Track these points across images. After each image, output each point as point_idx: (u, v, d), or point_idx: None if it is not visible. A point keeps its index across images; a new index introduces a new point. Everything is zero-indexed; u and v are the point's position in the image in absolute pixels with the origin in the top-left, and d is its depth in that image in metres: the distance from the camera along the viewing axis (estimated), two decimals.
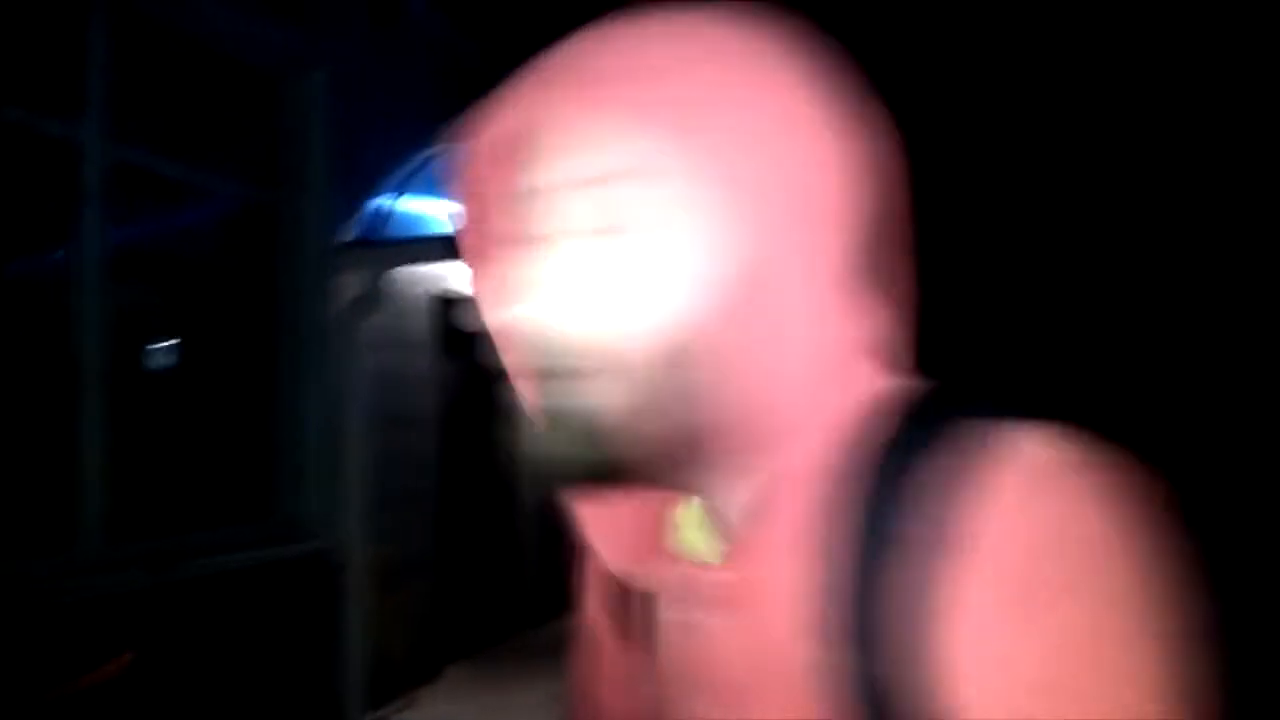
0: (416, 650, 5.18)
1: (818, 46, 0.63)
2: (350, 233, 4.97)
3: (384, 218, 4.98)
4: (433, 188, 5.19)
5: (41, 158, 3.25)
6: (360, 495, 4.43)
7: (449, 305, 5.78)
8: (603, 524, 0.70)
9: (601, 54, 0.61)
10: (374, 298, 4.59)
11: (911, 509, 0.54)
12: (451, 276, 5.86)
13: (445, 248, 4.94)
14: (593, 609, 0.80)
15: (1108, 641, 0.49)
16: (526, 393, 0.67)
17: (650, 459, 0.61)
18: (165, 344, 3.93)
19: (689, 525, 0.69)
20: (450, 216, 0.72)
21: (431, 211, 5.15)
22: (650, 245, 0.60)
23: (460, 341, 6.04)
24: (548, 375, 0.63)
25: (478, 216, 0.69)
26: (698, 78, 0.59)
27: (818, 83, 0.62)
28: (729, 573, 0.61)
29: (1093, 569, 0.50)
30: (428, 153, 5.52)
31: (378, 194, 5.13)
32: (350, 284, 4.64)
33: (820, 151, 0.60)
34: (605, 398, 0.60)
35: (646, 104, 0.58)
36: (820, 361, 0.60)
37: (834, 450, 0.59)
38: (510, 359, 0.68)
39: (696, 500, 0.68)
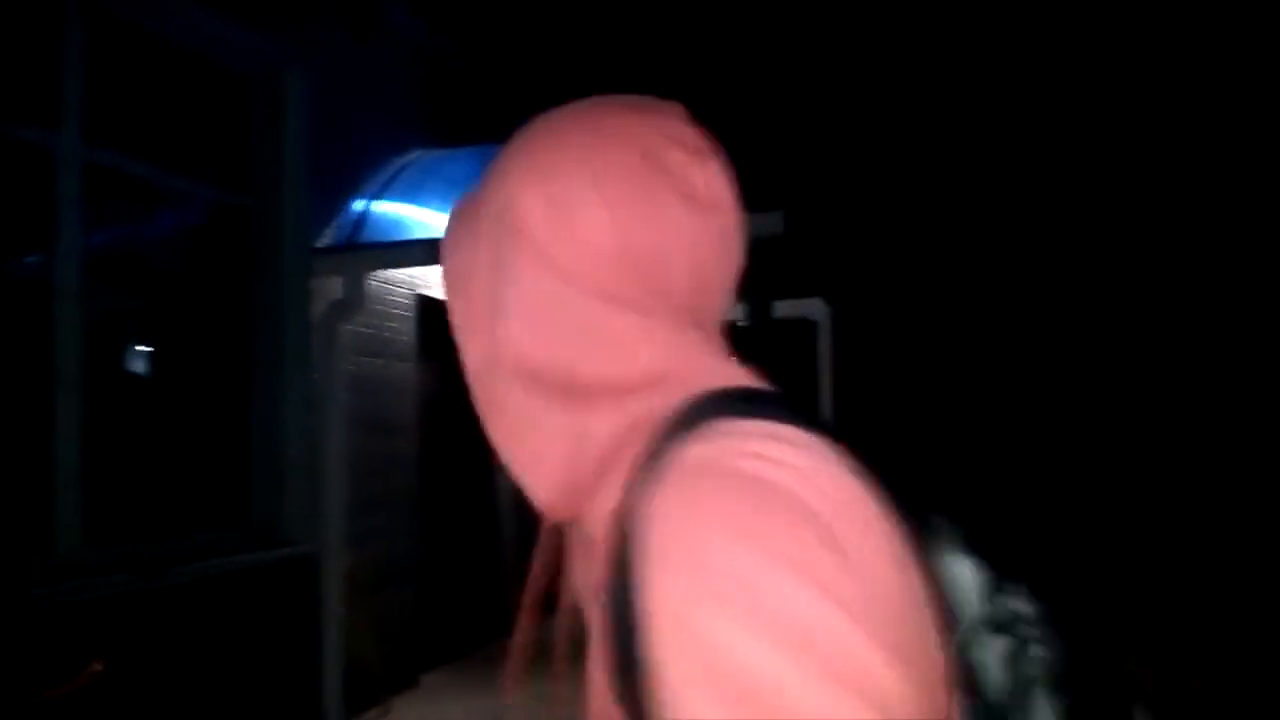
0: (394, 657, 5.16)
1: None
2: (329, 237, 4.95)
3: (362, 221, 4.97)
4: (411, 192, 5.19)
5: (16, 163, 3.23)
6: (339, 501, 4.41)
7: (429, 309, 5.77)
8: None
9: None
10: (353, 302, 4.58)
11: (633, 520, 0.56)
12: (431, 280, 5.86)
13: (424, 252, 4.93)
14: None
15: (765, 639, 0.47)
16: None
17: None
18: (143, 349, 3.91)
19: None
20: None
21: (410, 215, 5.14)
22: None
23: (440, 345, 6.03)
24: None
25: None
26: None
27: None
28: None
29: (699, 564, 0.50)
30: (406, 157, 5.52)
31: (356, 198, 5.12)
32: (329, 288, 4.63)
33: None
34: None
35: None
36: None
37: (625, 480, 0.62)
38: None
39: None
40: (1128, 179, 8.68)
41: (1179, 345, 8.86)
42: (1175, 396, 8.86)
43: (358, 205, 5.11)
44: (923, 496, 0.62)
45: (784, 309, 5.51)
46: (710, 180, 0.69)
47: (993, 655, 0.62)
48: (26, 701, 2.54)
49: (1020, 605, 0.64)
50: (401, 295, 5.54)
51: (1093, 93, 8.10)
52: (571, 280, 0.65)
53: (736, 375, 0.66)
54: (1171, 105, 8.10)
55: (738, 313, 5.22)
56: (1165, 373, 8.97)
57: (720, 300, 0.71)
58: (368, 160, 5.27)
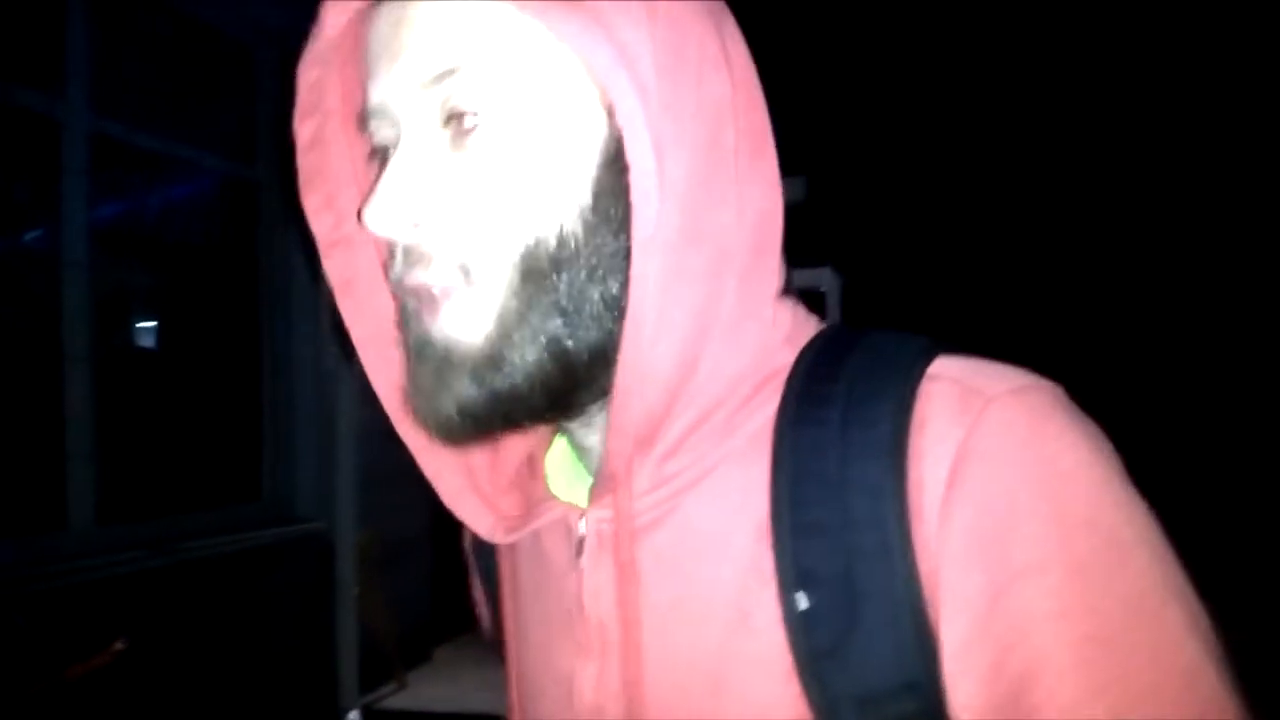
0: (408, 631, 5.14)
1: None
2: None
3: None
4: None
5: (22, 133, 3.15)
6: (352, 477, 4.37)
7: None
8: (465, 478, 0.65)
9: None
10: None
11: (852, 452, 0.51)
12: None
13: None
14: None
15: (1118, 581, 0.47)
16: (378, 331, 0.62)
17: (522, 392, 0.55)
18: (152, 323, 3.85)
19: (557, 469, 0.66)
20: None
21: None
22: (505, 140, 0.54)
23: None
24: (406, 299, 0.57)
25: (317, 141, 0.64)
26: None
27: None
28: (609, 509, 0.57)
29: (1096, 490, 0.49)
30: None
31: None
32: None
33: (732, 60, 0.57)
34: (470, 320, 0.54)
35: None
36: (719, 294, 0.55)
37: (744, 389, 0.56)
38: (358, 293, 0.64)
39: (564, 441, 0.65)
40: (1148, 162, 8.62)
41: (1204, 321, 8.83)
42: (1185, 377, 8.84)
43: None
44: None
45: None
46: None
47: None
48: (46, 680, 2.51)
49: None
50: None
51: (1114, 71, 8.02)
52: None
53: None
54: (1172, 77, 8.02)
55: None
56: (1178, 354, 8.93)
57: None
58: None
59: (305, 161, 0.64)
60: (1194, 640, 0.47)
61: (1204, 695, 0.46)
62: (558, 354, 0.54)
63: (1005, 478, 0.48)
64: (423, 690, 5.05)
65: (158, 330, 3.89)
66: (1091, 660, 0.45)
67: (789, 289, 0.62)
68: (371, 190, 0.55)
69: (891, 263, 9.18)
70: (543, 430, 0.65)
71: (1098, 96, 8.31)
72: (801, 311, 0.62)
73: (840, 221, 7.58)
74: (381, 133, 0.57)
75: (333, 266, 0.64)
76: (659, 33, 0.52)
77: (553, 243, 0.53)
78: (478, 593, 0.76)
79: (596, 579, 0.59)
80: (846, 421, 0.52)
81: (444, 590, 5.86)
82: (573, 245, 0.53)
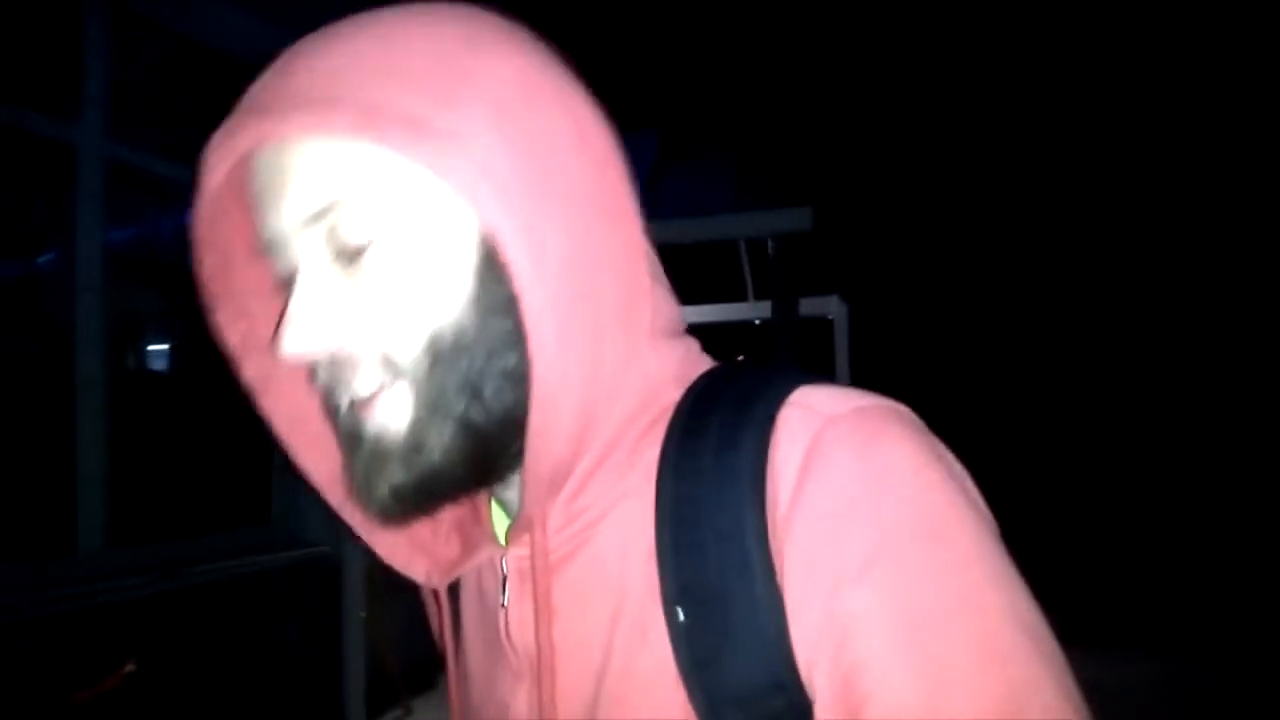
0: (413, 658, 5.12)
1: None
2: None
3: None
4: None
5: (36, 157, 3.19)
6: None
7: None
8: (417, 543, 0.70)
9: (307, 70, 0.60)
10: None
11: (717, 471, 0.57)
12: None
13: None
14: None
15: (960, 568, 0.52)
16: (307, 439, 0.69)
17: (444, 470, 0.60)
18: (164, 347, 3.88)
19: (497, 513, 0.72)
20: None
21: None
22: (392, 258, 0.59)
23: None
24: (333, 407, 0.63)
25: (222, 268, 0.68)
26: (439, 70, 0.58)
27: (556, 67, 0.63)
28: (526, 550, 0.64)
29: (917, 497, 0.53)
30: None
31: None
32: None
33: (581, 128, 0.62)
34: (392, 413, 0.60)
35: (364, 113, 0.56)
36: (602, 348, 0.61)
37: (636, 429, 0.63)
38: (279, 390, 0.69)
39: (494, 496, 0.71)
40: (1154, 185, 8.64)
41: (1201, 345, 8.81)
42: (1193, 396, 8.81)
43: None
44: None
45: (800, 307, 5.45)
46: None
47: None
48: (56, 704, 2.51)
49: None
50: None
51: (1114, 95, 8.05)
52: None
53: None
54: (1177, 100, 8.05)
55: (759, 310, 5.18)
56: (1185, 375, 8.91)
57: None
58: None
59: (212, 286, 0.68)
60: (1013, 626, 0.51)
61: (1020, 678, 0.49)
62: (470, 429, 0.60)
63: (837, 487, 0.54)
64: (427, 716, 5.02)
65: (170, 354, 3.92)
66: (910, 649, 0.50)
67: (684, 329, 0.70)
68: (282, 319, 0.61)
69: (899, 290, 9.20)
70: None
71: (1100, 129, 8.34)
72: (694, 350, 0.69)
73: (847, 250, 7.61)
74: (281, 263, 0.62)
75: (250, 369, 0.70)
76: (509, 132, 0.58)
77: (450, 334, 0.59)
78: (436, 629, 0.78)
79: (519, 612, 0.66)
80: (718, 450, 0.58)
81: None
82: (470, 333, 0.59)
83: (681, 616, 0.56)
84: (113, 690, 2.65)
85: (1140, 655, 4.80)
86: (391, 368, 0.60)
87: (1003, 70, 7.66)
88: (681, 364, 0.66)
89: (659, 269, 0.68)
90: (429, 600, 0.76)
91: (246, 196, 0.64)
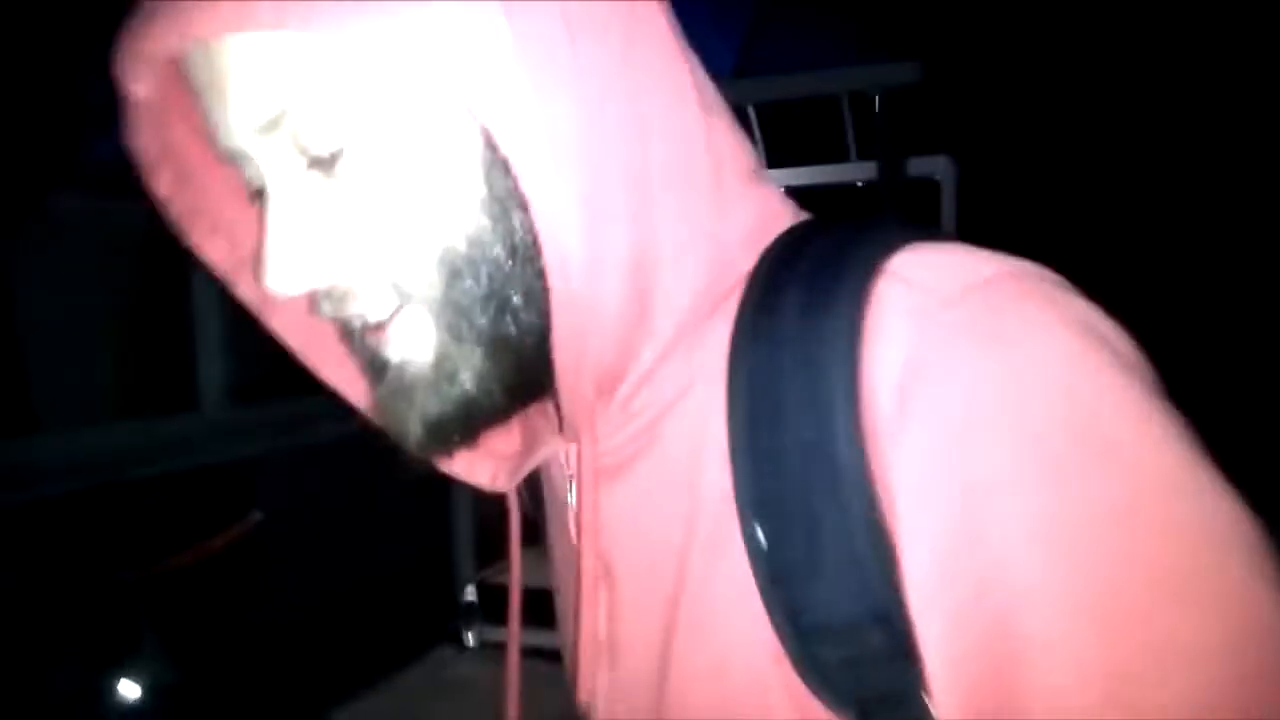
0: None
1: None
2: None
3: None
4: None
5: None
6: None
7: None
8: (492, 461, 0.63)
9: None
10: None
11: (802, 369, 0.46)
12: None
13: None
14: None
15: (1136, 487, 0.40)
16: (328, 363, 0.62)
17: (480, 397, 0.54)
18: None
19: None
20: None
21: None
22: (377, 165, 0.51)
23: None
24: (346, 334, 0.56)
25: (179, 182, 0.59)
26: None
27: None
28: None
29: (1075, 387, 0.41)
30: None
31: None
32: None
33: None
34: (412, 341, 0.53)
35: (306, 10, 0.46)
36: (651, 226, 0.52)
37: (703, 309, 0.54)
38: (284, 309, 0.61)
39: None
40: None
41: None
42: None
43: None
44: None
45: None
46: None
47: None
48: (180, 554, 2.69)
49: None
50: None
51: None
52: None
53: None
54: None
55: (861, 171, 5.01)
56: None
57: None
58: None
59: (175, 205, 0.60)
60: (1223, 552, 0.39)
61: (1239, 622, 0.38)
62: (503, 348, 0.53)
63: (961, 389, 0.43)
64: (530, 570, 5.25)
65: None
66: (1078, 600, 0.39)
67: (760, 177, 0.59)
68: (260, 247, 0.53)
69: (1011, 150, 8.76)
70: None
71: None
72: (773, 202, 0.58)
73: (957, 107, 7.26)
74: (249, 171, 0.54)
75: (243, 290, 0.62)
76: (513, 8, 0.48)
77: (463, 244, 0.51)
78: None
79: (577, 514, 0.59)
80: (797, 335, 0.48)
81: None
82: (486, 238, 0.52)
83: (761, 537, 0.47)
84: (240, 543, 2.84)
85: None
86: (401, 292, 0.53)
87: None
88: (759, 221, 0.56)
89: (724, 114, 0.57)
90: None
91: (187, 95, 0.54)
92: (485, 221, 0.51)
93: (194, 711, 2.48)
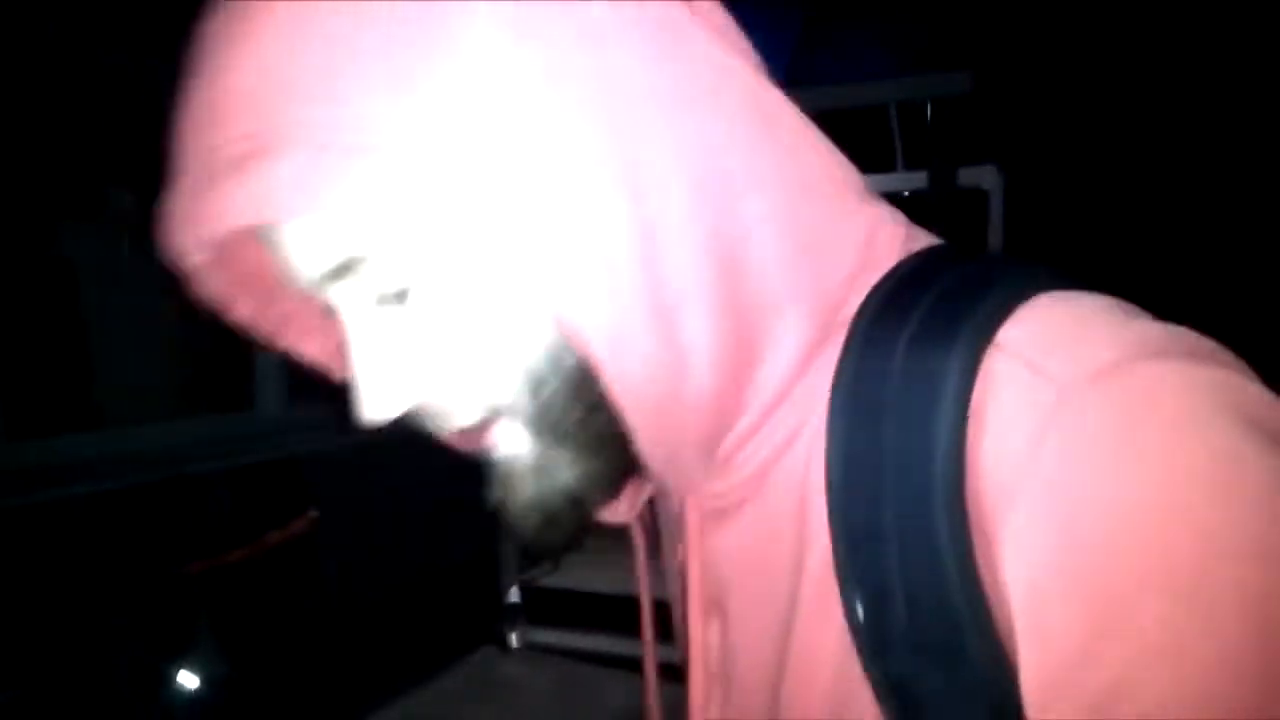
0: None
1: None
2: None
3: None
4: None
5: None
6: None
7: None
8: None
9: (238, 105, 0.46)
10: None
11: (902, 447, 0.43)
12: None
13: None
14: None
15: (1205, 650, 0.36)
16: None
17: (594, 484, 0.56)
18: None
19: None
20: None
21: None
22: (449, 292, 0.51)
23: None
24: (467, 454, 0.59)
25: (260, 305, 0.61)
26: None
27: None
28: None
29: (1205, 508, 0.36)
30: None
31: None
32: None
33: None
34: (512, 443, 0.56)
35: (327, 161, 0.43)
36: (735, 309, 0.49)
37: (820, 333, 0.51)
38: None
39: None
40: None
41: None
42: None
43: None
44: None
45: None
46: None
47: None
48: (246, 545, 2.74)
49: None
50: None
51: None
52: None
53: None
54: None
55: (909, 181, 4.99)
56: None
57: None
58: None
59: (259, 325, 0.63)
60: None
61: None
62: (601, 443, 0.54)
63: (1078, 499, 0.38)
64: (573, 573, 5.28)
65: None
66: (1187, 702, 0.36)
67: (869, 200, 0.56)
68: (350, 378, 0.56)
69: (1060, 162, 8.67)
70: None
71: None
72: (880, 229, 0.54)
73: (1006, 117, 7.20)
74: (321, 298, 0.55)
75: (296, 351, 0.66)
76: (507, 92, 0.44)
77: (542, 356, 0.52)
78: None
79: (686, 554, 0.62)
80: (898, 404, 0.44)
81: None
82: (561, 347, 0.52)
83: (859, 609, 0.46)
84: (299, 539, 2.89)
85: None
86: (490, 406, 0.55)
87: None
88: (866, 254, 0.53)
89: (814, 137, 0.54)
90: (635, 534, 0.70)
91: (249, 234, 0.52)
92: (559, 335, 0.50)
93: (245, 704, 2.52)
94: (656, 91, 0.45)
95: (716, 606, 0.60)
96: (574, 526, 0.58)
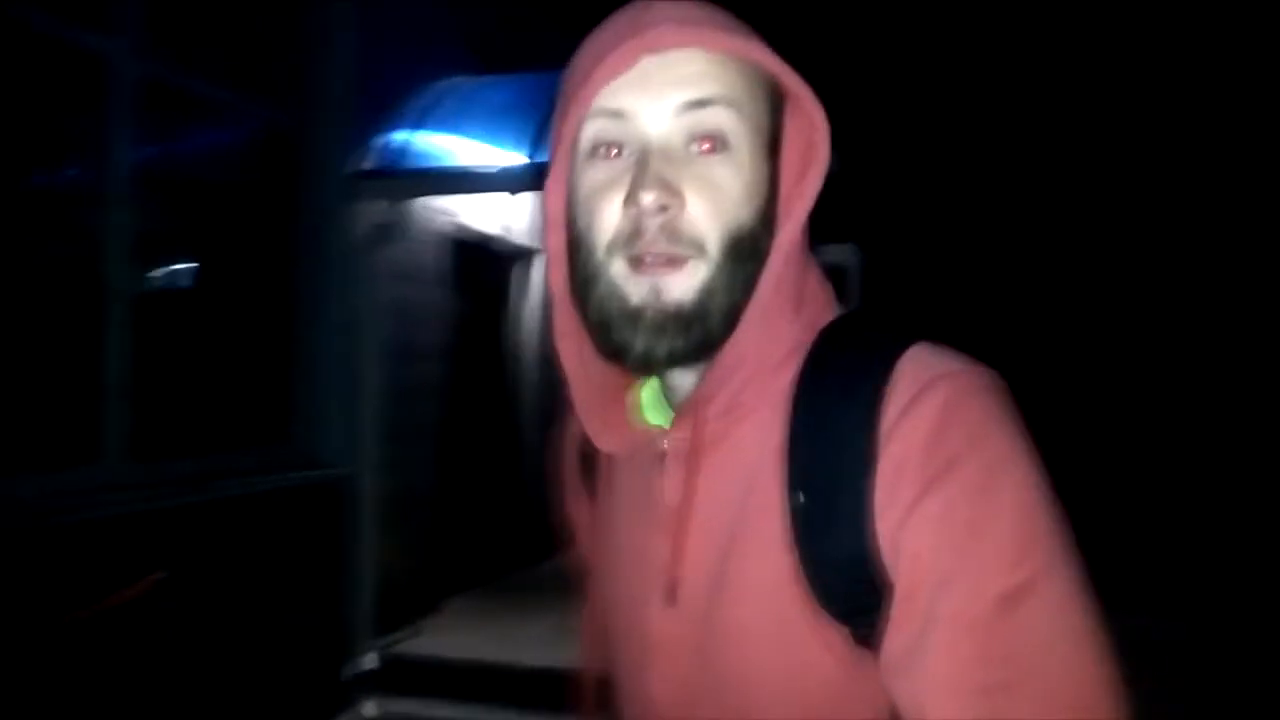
0: (423, 580, 5.23)
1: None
2: (372, 161, 4.91)
3: (403, 148, 4.92)
4: (452, 120, 5.13)
5: (71, 70, 3.19)
6: (375, 426, 4.44)
7: (463, 238, 5.75)
8: (588, 405, 0.86)
9: (683, 7, 0.77)
10: (391, 228, 4.55)
11: (843, 399, 0.72)
12: (467, 211, 5.81)
13: (464, 181, 4.89)
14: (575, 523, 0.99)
15: (1001, 489, 0.66)
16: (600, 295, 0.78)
17: (704, 345, 0.75)
18: (190, 265, 3.90)
19: (647, 403, 0.89)
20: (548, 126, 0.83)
21: (448, 145, 5.09)
22: (734, 157, 0.75)
23: (472, 276, 6.01)
24: (643, 268, 0.74)
25: (555, 134, 0.80)
26: (753, 39, 0.76)
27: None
28: (686, 431, 0.80)
29: (979, 440, 0.67)
30: (451, 82, 5.44)
31: (398, 123, 5.06)
32: (368, 214, 4.60)
33: (809, 124, 0.79)
34: (692, 287, 0.74)
35: (739, 48, 0.75)
36: (796, 286, 0.79)
37: (789, 353, 0.78)
38: (587, 255, 0.79)
39: (653, 382, 0.89)
40: (1161, 150, 8.55)
41: (1223, 300, 8.80)
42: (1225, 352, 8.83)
43: (399, 132, 5.05)
44: None
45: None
46: None
47: None
48: (79, 615, 2.59)
49: None
50: (438, 223, 5.51)
51: (1145, 48, 7.93)
52: None
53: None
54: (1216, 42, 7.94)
55: None
56: (1213, 327, 8.92)
57: None
58: (410, 85, 5.20)
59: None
60: (1044, 524, 0.65)
61: (1045, 554, 0.65)
62: (731, 320, 0.76)
63: (924, 426, 0.68)
64: (435, 638, 5.15)
65: (195, 272, 3.94)
66: (958, 540, 0.65)
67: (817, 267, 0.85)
68: (641, 178, 0.73)
69: (912, 243, 9.18)
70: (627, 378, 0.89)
71: (1120, 83, 8.23)
72: (827, 303, 0.83)
73: (864, 199, 7.59)
74: (614, 133, 0.76)
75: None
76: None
77: (747, 238, 0.75)
78: (576, 503, 0.98)
79: (670, 479, 0.83)
80: (842, 386, 0.73)
81: (457, 542, 5.95)
82: (755, 241, 0.76)
83: (801, 498, 0.73)
84: (139, 601, 2.74)
85: (1114, 613, 4.95)
86: (698, 247, 0.74)
87: (1027, 26, 7.55)
88: (818, 313, 0.81)
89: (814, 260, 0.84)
90: (570, 481, 0.97)
91: (610, 69, 0.75)
92: (760, 232, 0.76)
93: None
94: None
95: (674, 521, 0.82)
96: (677, 366, 0.78)
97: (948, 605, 0.63)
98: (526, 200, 6.72)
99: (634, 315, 0.75)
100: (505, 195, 5.85)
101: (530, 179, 4.95)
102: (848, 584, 0.70)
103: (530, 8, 6.96)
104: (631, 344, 0.75)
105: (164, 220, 3.72)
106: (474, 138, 5.07)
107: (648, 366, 0.76)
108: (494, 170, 4.81)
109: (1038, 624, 0.62)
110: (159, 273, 3.76)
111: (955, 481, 0.66)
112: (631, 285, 0.75)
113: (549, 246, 0.82)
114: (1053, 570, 0.64)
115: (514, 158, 4.75)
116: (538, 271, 7.03)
